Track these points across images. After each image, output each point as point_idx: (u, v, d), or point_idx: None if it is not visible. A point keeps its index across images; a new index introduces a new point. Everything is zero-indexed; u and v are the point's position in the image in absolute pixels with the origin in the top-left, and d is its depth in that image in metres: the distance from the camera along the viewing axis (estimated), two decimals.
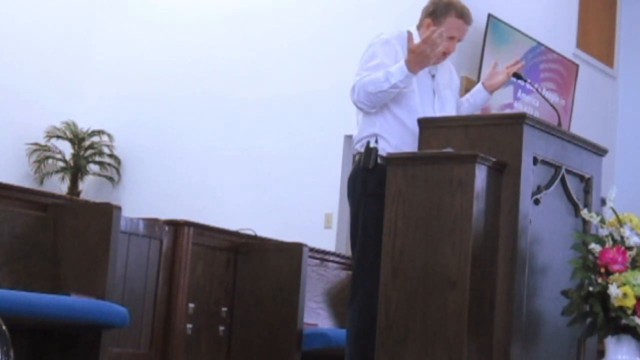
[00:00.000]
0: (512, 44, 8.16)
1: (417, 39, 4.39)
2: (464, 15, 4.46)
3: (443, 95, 4.50)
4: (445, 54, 4.45)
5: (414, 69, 4.25)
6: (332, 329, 6.16)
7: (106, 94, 9.48)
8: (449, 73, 4.62)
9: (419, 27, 4.53)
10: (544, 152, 4.02)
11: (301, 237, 6.38)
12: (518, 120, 3.95)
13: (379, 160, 4.27)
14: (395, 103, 4.37)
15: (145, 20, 9.46)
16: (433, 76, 4.49)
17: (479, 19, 7.79)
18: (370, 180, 4.30)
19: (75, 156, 9.19)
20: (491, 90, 4.69)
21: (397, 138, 4.34)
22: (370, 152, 4.31)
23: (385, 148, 4.30)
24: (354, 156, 4.45)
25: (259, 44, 8.79)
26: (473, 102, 4.71)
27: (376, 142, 4.33)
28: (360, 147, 4.39)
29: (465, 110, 4.70)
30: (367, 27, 8.15)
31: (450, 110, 4.51)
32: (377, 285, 4.05)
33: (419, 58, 4.22)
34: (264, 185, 8.49)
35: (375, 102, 4.30)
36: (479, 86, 4.73)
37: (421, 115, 4.28)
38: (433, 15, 4.46)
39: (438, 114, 4.40)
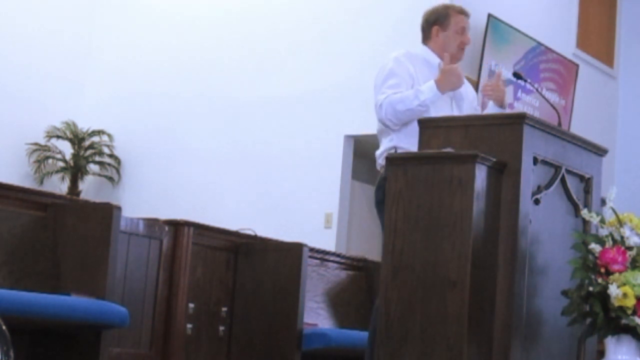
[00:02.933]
0: (512, 44, 8.16)
1: (429, 55, 4.57)
2: (463, 12, 4.68)
3: (460, 106, 4.60)
4: (462, 48, 4.62)
5: (444, 89, 4.42)
6: (332, 329, 6.16)
7: (106, 94, 9.49)
8: (464, 86, 4.67)
9: (426, 41, 4.67)
10: (544, 152, 4.02)
11: (301, 237, 6.38)
12: (518, 120, 3.95)
13: None
14: None
15: (145, 21, 9.47)
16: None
17: (479, 19, 7.79)
18: None
19: (75, 156, 9.19)
20: (501, 104, 4.71)
21: (415, 147, 4.38)
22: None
23: None
24: (378, 172, 4.55)
25: (259, 45, 8.79)
26: None
27: (395, 152, 4.40)
28: (382, 161, 4.49)
29: None
30: (367, 28, 8.17)
31: None
32: None
33: (452, 79, 4.41)
34: (264, 185, 8.49)
35: (403, 120, 4.41)
36: (490, 104, 4.76)
37: None
38: (438, 22, 4.62)
39: None
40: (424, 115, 4.38)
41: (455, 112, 4.56)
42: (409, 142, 4.41)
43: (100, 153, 9.29)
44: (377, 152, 4.58)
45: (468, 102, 4.67)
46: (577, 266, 3.81)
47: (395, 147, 4.46)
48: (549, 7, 9.06)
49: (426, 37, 4.67)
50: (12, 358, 2.47)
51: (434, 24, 4.62)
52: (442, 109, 4.50)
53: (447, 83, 4.42)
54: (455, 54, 4.59)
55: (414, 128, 4.40)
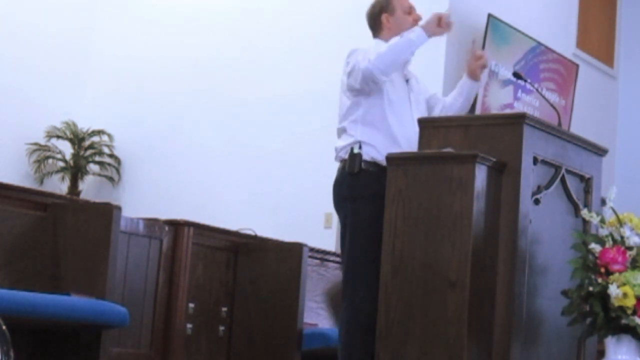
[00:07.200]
0: (512, 44, 8.16)
1: (383, 46, 4.49)
2: None
3: (418, 100, 4.54)
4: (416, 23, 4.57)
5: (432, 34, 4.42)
6: (332, 329, 6.16)
7: (106, 94, 9.48)
8: (415, 79, 4.64)
9: (378, 33, 4.65)
10: (544, 152, 4.02)
11: (301, 237, 6.37)
12: (518, 120, 3.95)
13: (363, 166, 4.34)
14: (373, 110, 4.44)
15: (145, 20, 9.46)
16: (407, 81, 4.54)
17: (479, 19, 7.79)
18: (356, 185, 4.37)
19: (75, 156, 9.19)
20: (475, 78, 4.66)
21: (379, 143, 4.36)
22: (354, 157, 4.39)
23: (369, 152, 4.35)
24: (339, 164, 4.51)
25: (259, 44, 8.79)
26: (467, 96, 4.67)
27: (360, 148, 4.38)
28: (344, 154, 4.46)
29: (459, 107, 4.67)
30: (366, 27, 8.16)
31: (423, 114, 4.54)
32: (367, 288, 4.11)
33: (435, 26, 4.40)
34: (264, 185, 8.49)
35: (402, 59, 4.38)
36: (464, 79, 4.71)
37: (400, 118, 4.36)
38: (383, 10, 4.62)
39: (416, 115, 4.42)
40: (389, 108, 4.38)
41: (413, 103, 4.49)
42: (374, 139, 4.38)
43: (100, 153, 9.28)
44: (338, 146, 4.52)
45: (422, 96, 4.61)
46: (577, 266, 3.82)
47: (359, 142, 4.41)
48: (549, 7, 9.05)
49: (378, 30, 4.65)
50: (12, 358, 2.47)
51: (381, 13, 4.62)
52: (403, 101, 4.45)
53: (430, 28, 4.42)
54: None
55: (381, 124, 4.40)
